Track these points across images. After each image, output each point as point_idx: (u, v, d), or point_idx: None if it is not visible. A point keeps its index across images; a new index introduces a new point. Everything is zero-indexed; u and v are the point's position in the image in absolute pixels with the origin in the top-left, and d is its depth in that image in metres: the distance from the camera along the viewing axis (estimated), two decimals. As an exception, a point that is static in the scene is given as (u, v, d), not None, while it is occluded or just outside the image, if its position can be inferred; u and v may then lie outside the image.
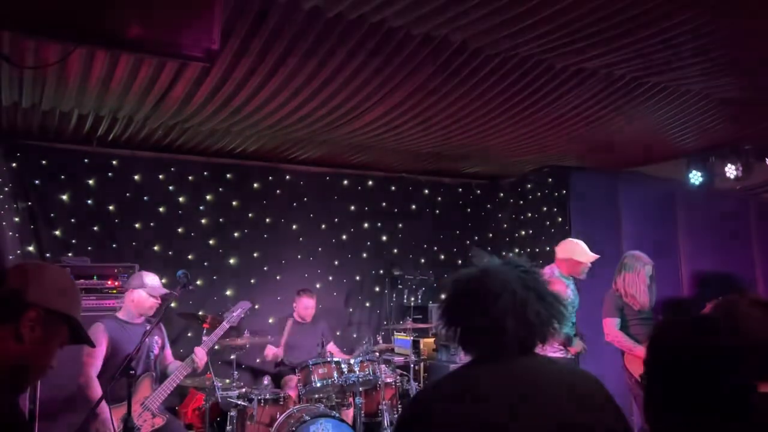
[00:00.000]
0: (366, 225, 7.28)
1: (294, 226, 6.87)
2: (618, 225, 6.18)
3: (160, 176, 6.27)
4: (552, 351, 4.52)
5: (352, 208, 7.23)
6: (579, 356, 4.71)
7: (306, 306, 5.90)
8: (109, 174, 6.04)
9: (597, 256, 4.57)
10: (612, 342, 4.59)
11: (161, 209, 6.25)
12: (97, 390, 3.68)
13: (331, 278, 7.01)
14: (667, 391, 1.41)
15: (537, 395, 1.43)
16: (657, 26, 3.42)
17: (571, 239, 4.73)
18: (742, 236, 6.05)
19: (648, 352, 1.49)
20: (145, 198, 6.18)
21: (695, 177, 6.35)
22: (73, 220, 5.84)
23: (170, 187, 6.31)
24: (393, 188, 7.48)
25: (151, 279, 4.02)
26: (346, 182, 7.22)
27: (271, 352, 5.73)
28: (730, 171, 6.00)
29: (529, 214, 6.97)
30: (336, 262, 7.07)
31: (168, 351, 4.34)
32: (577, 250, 4.56)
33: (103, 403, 3.54)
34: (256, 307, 6.45)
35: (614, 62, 3.97)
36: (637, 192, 6.32)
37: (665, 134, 5.56)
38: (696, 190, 6.29)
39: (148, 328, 3.87)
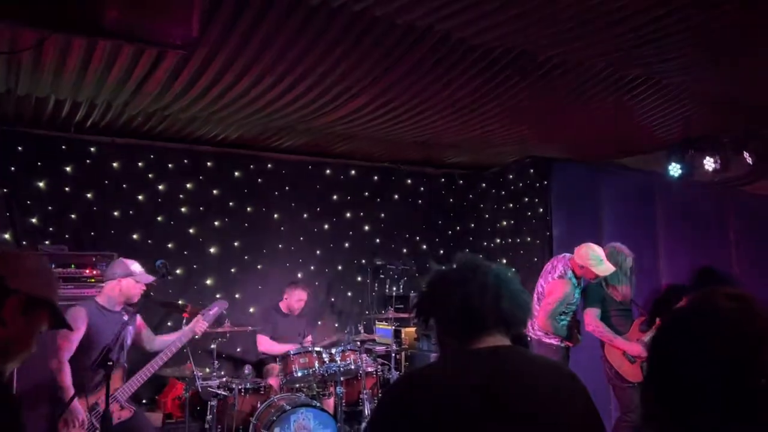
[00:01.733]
0: (348, 214, 7.26)
1: (275, 216, 6.83)
2: (598, 216, 6.23)
3: (140, 164, 6.19)
4: (547, 339, 4.57)
5: (335, 197, 7.20)
6: (572, 347, 4.75)
7: (300, 298, 5.87)
8: (87, 161, 5.95)
9: (612, 269, 4.51)
10: (593, 332, 4.64)
11: (140, 197, 6.17)
12: (67, 376, 3.61)
13: (312, 268, 6.99)
14: (670, 387, 1.40)
15: (507, 385, 1.43)
16: (639, 20, 3.44)
17: (590, 245, 4.57)
18: (720, 229, 6.13)
19: (653, 349, 1.48)
20: (124, 186, 6.09)
21: (674, 169, 6.40)
22: (50, 208, 5.75)
23: (150, 175, 6.23)
24: (376, 178, 7.46)
25: (138, 267, 4.02)
26: (328, 171, 7.19)
27: (283, 348, 5.64)
28: (709, 164, 6.06)
29: (511, 205, 6.99)
30: (318, 252, 7.05)
31: (148, 332, 4.20)
32: (593, 261, 4.47)
33: (73, 391, 3.50)
34: (237, 296, 6.43)
35: (596, 54, 3.98)
36: (617, 184, 6.37)
37: (646, 127, 5.60)
38: (675, 182, 6.36)
39: (125, 317, 3.83)
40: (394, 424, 1.43)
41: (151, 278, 3.99)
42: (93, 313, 3.83)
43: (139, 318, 4.04)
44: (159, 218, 6.24)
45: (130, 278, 3.93)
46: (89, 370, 3.54)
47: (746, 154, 5.75)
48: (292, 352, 5.15)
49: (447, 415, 1.37)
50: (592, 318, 4.63)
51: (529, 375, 1.48)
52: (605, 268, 4.48)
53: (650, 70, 4.28)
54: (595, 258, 4.48)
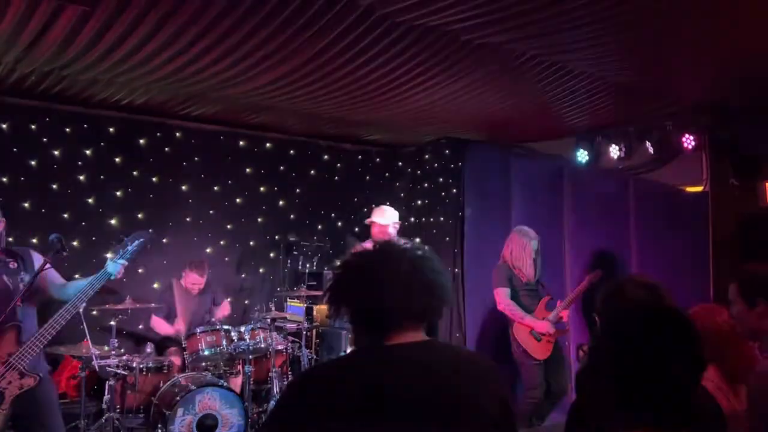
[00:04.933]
0: (262, 189, 7.05)
1: (183, 187, 6.52)
2: (508, 198, 6.36)
3: (32, 126, 5.70)
4: None
5: (248, 170, 6.96)
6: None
7: (193, 282, 5.59)
8: (-30, 120, 5.43)
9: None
10: (504, 311, 4.76)
11: (32, 163, 5.69)
12: None
13: (222, 242, 6.75)
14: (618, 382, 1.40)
15: (425, 377, 1.42)
16: (560, 6, 3.48)
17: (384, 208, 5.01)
18: (621, 213, 6.43)
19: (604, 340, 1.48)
20: (14, 149, 5.60)
21: (582, 155, 6.68)
22: (-75, 171, 5.20)
23: (44, 139, 5.75)
24: (292, 152, 7.28)
25: None
26: (242, 143, 6.93)
27: (171, 329, 5.39)
28: (614, 151, 6.36)
29: (426, 185, 7.03)
30: (229, 226, 6.81)
31: (53, 274, 3.39)
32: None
33: None
34: (140, 271, 6.11)
35: (517, 39, 4.01)
36: (528, 167, 6.52)
37: (558, 113, 5.76)
38: (582, 168, 6.61)
39: (12, 265, 3.20)
40: (288, 428, 1.38)
41: None
42: None
43: (33, 259, 3.35)
44: (54, 186, 5.79)
45: None
46: None
47: (648, 144, 6.07)
48: (198, 330, 4.96)
49: (338, 420, 1.34)
50: (502, 297, 4.75)
51: (440, 371, 1.45)
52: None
53: (567, 57, 4.38)
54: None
